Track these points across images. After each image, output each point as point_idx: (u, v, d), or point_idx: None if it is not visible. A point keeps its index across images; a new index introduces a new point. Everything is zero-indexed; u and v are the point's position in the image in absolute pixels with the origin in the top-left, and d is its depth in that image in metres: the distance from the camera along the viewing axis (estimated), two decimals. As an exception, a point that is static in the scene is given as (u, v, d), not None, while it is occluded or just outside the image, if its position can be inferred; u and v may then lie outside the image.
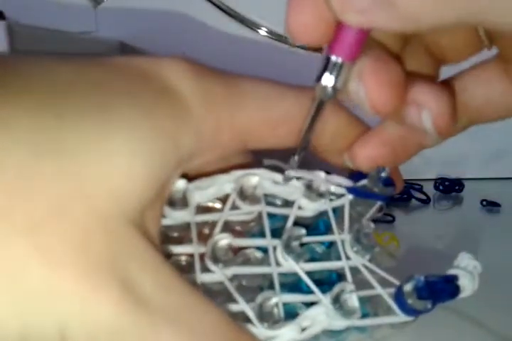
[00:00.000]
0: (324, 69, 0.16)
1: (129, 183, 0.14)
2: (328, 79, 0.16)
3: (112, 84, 0.15)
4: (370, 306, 0.18)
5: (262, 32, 0.49)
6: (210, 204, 0.19)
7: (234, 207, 0.19)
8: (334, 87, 0.16)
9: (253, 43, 0.50)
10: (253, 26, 0.49)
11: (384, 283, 0.18)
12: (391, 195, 0.20)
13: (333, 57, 0.16)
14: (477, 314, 0.29)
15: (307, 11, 0.15)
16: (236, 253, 0.18)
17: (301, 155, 0.19)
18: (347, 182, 0.20)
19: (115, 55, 0.17)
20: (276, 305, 0.17)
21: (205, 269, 0.17)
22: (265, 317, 0.16)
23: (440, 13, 0.13)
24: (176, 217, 0.18)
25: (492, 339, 0.28)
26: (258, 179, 0.18)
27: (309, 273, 0.18)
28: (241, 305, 0.16)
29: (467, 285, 0.18)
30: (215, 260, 0.17)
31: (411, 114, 0.17)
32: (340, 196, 0.20)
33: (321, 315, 0.17)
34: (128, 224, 0.14)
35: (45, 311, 0.13)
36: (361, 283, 0.18)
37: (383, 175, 0.19)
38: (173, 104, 0.16)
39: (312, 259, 0.18)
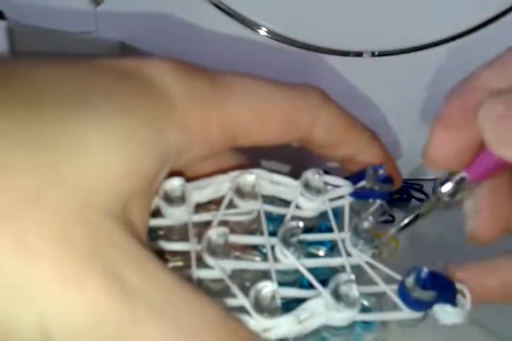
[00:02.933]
0: (449, 179, 0.18)
1: (106, 171, 0.14)
2: (447, 187, 0.18)
3: (91, 82, 0.15)
4: (376, 306, 0.18)
5: (262, 32, 0.49)
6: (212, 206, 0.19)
7: (233, 207, 0.19)
8: (451, 196, 0.18)
9: (253, 43, 0.50)
10: (253, 26, 0.49)
11: (388, 281, 0.18)
12: (390, 191, 0.20)
13: (464, 174, 0.17)
14: (477, 314, 0.29)
15: (448, 143, 0.17)
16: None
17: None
18: (345, 183, 0.20)
19: (113, 55, 0.17)
20: (274, 297, 0.17)
21: (203, 266, 0.17)
22: (262, 308, 0.16)
23: None
24: (173, 214, 0.18)
25: (492, 339, 0.28)
26: (254, 177, 0.19)
27: (312, 273, 0.18)
28: (237, 296, 0.16)
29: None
30: (212, 253, 0.17)
31: None
32: (339, 197, 0.20)
33: (320, 307, 0.17)
34: (107, 214, 0.14)
35: (24, 300, 0.13)
36: (364, 282, 0.18)
37: (381, 172, 0.19)
38: (155, 97, 0.16)
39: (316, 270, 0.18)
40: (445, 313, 0.18)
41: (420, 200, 0.47)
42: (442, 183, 0.18)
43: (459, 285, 0.18)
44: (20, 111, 0.13)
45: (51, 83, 0.14)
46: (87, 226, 0.13)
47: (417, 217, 0.19)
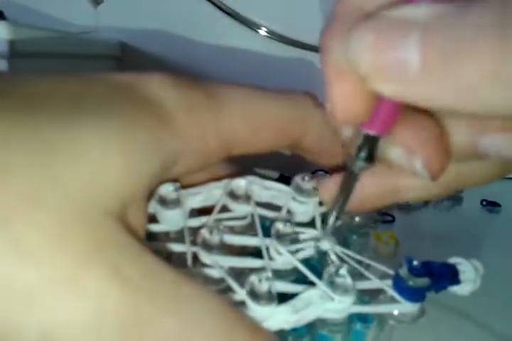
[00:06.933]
0: (361, 146, 0.15)
1: (103, 170, 0.14)
2: (362, 155, 0.15)
3: (87, 93, 0.15)
4: (373, 304, 0.18)
5: (262, 32, 0.49)
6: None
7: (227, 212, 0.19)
8: (368, 161, 0.16)
9: (253, 43, 0.50)
10: (253, 26, 0.49)
11: (382, 278, 0.18)
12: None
13: (369, 132, 0.15)
14: (477, 314, 0.29)
15: (348, 92, 0.14)
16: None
17: (334, 224, 0.18)
18: None
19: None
20: (269, 286, 0.17)
21: (199, 266, 0.17)
22: (258, 297, 0.16)
23: None
24: (169, 218, 0.18)
25: (492, 338, 0.28)
26: (246, 181, 0.19)
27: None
28: (233, 288, 0.16)
29: (468, 276, 0.18)
30: (208, 251, 0.17)
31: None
32: None
33: (315, 297, 0.17)
34: (106, 212, 0.14)
35: (22, 306, 0.12)
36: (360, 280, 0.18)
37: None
38: (152, 108, 0.16)
39: (311, 269, 0.18)
40: (458, 289, 0.18)
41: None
42: (356, 153, 0.15)
43: (463, 263, 0.18)
44: (17, 115, 0.13)
45: (48, 94, 0.15)
46: (86, 226, 0.13)
47: (345, 201, 0.17)
